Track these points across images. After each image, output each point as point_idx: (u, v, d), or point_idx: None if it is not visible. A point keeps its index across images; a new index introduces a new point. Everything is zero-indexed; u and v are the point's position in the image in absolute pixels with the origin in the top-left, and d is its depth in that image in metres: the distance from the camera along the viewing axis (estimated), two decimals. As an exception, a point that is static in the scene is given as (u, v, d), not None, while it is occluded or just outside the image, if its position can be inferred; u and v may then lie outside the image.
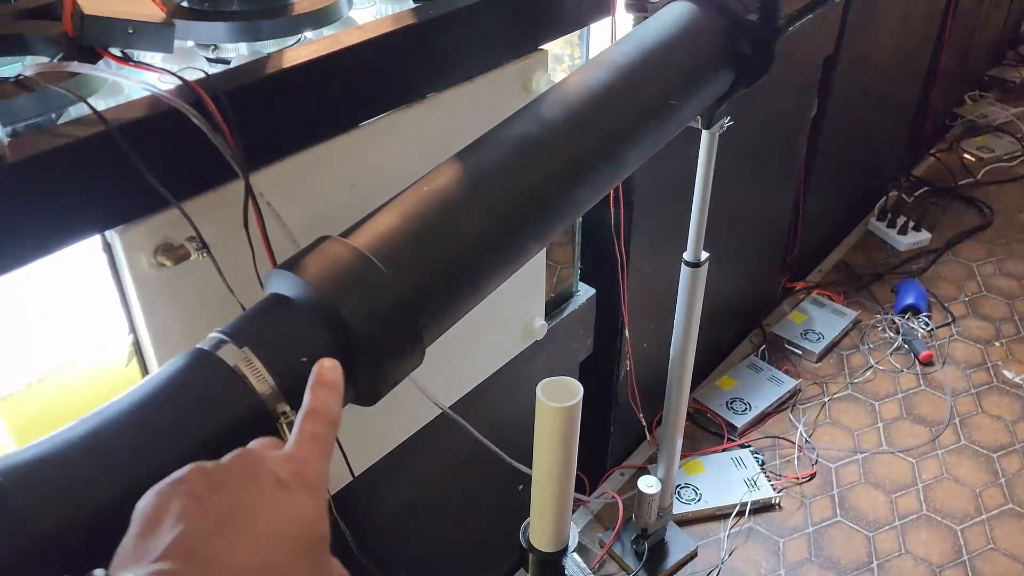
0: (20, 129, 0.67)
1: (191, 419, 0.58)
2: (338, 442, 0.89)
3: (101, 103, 0.68)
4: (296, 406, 0.61)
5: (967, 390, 1.95)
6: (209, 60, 0.86)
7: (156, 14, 0.74)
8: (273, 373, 0.59)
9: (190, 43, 0.86)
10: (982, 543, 1.60)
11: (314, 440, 0.48)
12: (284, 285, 0.65)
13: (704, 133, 1.11)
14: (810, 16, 1.67)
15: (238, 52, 0.84)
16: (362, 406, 0.69)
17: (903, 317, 2.14)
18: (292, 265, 0.65)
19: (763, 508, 1.66)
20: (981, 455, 1.79)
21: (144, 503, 0.43)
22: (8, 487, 0.50)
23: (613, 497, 1.60)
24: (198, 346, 0.61)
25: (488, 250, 0.72)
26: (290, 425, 0.61)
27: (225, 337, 0.61)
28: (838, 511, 1.67)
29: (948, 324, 2.14)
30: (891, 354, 2.05)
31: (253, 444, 0.47)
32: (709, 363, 1.99)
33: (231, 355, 0.59)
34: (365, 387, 0.66)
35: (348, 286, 0.63)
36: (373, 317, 0.63)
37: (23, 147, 0.59)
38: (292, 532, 0.42)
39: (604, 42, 1.17)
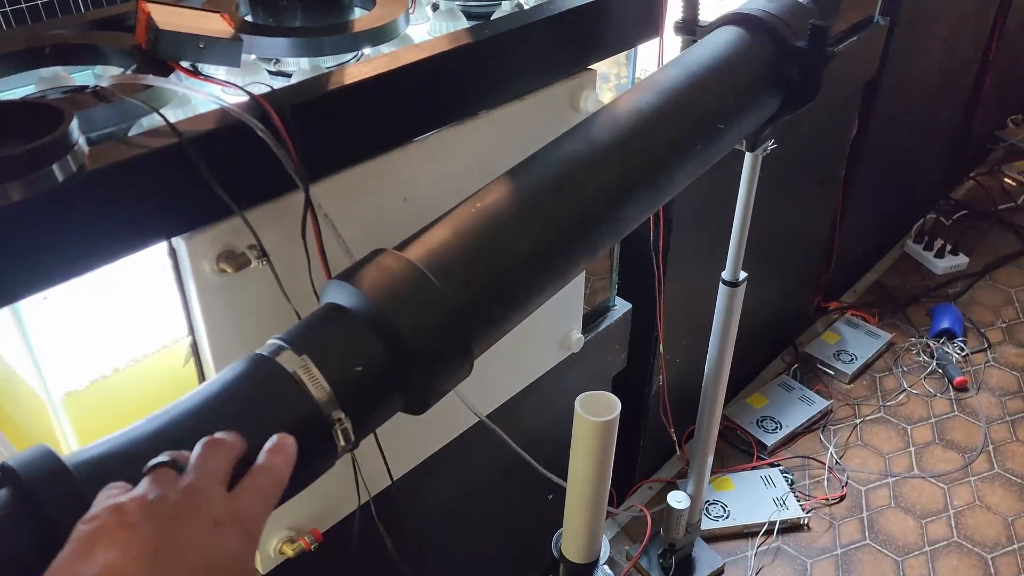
0: (93, 138, 0.70)
1: (251, 422, 0.60)
2: (379, 445, 0.92)
3: (170, 114, 0.71)
4: (351, 414, 0.63)
5: (1001, 417, 1.94)
6: (270, 73, 0.88)
7: (226, 30, 0.77)
8: (329, 381, 0.62)
9: (252, 56, 0.89)
10: (1013, 572, 1.59)
11: (259, 491, 0.50)
12: (341, 295, 0.67)
13: (748, 155, 1.12)
14: (854, 39, 1.67)
15: (299, 66, 0.87)
16: (410, 415, 0.71)
17: (938, 341, 2.13)
18: (349, 276, 0.67)
19: (791, 528, 1.66)
20: (1014, 483, 1.77)
21: (81, 527, 0.45)
22: (81, 480, 0.52)
23: (641, 511, 1.61)
24: (258, 352, 0.64)
25: (538, 266, 0.74)
26: (344, 432, 0.63)
27: (284, 344, 0.63)
28: (867, 534, 1.66)
29: (984, 350, 2.13)
30: (925, 378, 2.04)
31: (201, 478, 0.48)
32: (741, 380, 1.99)
33: (290, 361, 0.62)
34: (414, 397, 0.68)
35: (403, 299, 0.65)
36: (426, 330, 0.65)
37: (101, 156, 0.62)
38: (219, 570, 0.45)
39: (651, 61, 1.19)
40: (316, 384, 0.61)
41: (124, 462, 0.55)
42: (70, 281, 0.64)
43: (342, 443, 0.63)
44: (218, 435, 0.53)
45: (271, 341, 0.64)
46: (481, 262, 0.71)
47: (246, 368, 0.62)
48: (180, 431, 0.58)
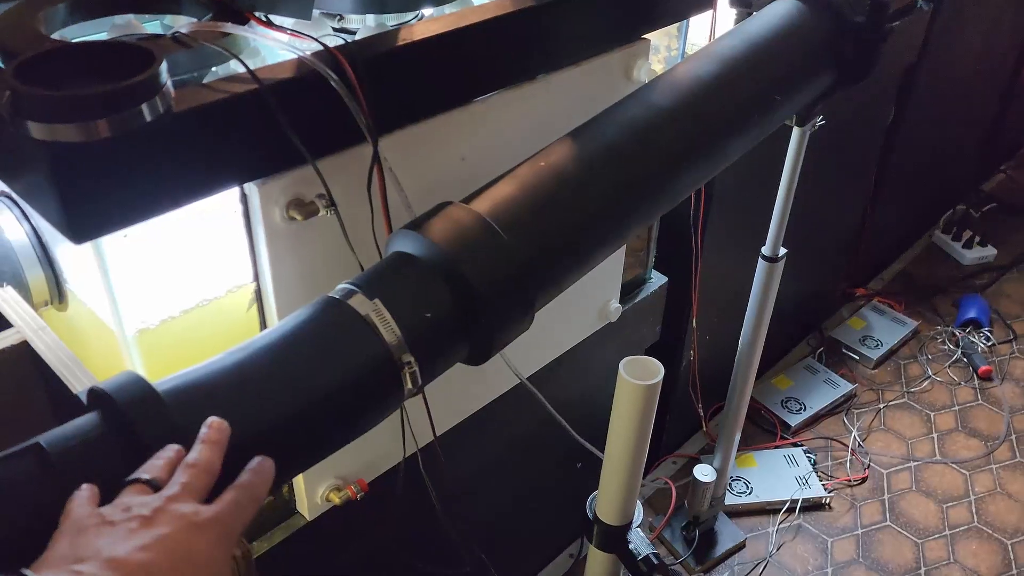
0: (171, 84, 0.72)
1: (325, 361, 0.62)
2: (425, 400, 0.94)
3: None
4: (419, 358, 0.65)
5: (1025, 408, 1.94)
6: (335, 29, 0.90)
7: (299, -18, 0.78)
8: (400, 325, 0.64)
9: (317, 12, 0.90)
10: (1033, 559, 1.60)
11: (236, 505, 0.52)
12: (409, 244, 0.69)
13: (795, 130, 1.12)
14: (898, 22, 1.67)
15: (364, 23, 0.88)
16: (471, 365, 0.73)
17: (964, 331, 2.13)
18: (418, 226, 0.69)
19: (813, 507, 1.68)
20: (1036, 473, 1.78)
21: (62, 529, 0.47)
22: (171, 403, 0.54)
23: (666, 483, 1.63)
24: (329, 295, 0.66)
25: (598, 225, 0.76)
26: (412, 376, 0.65)
27: (356, 288, 0.65)
28: (888, 516, 1.68)
29: (1009, 341, 2.13)
30: (949, 366, 2.05)
31: (177, 491, 0.50)
32: (767, 361, 2.00)
33: (362, 305, 0.64)
34: (478, 345, 0.70)
35: (471, 248, 0.67)
36: (493, 279, 0.67)
37: (187, 99, 0.64)
38: (198, 564, 0.47)
39: (701, 35, 1.20)
40: (387, 327, 0.63)
41: (208, 392, 0.57)
42: (149, 220, 0.66)
43: (409, 386, 0.65)
44: (195, 452, 0.53)
45: (342, 285, 0.66)
46: (545, 218, 0.72)
47: (319, 310, 0.64)
48: (257, 367, 0.60)
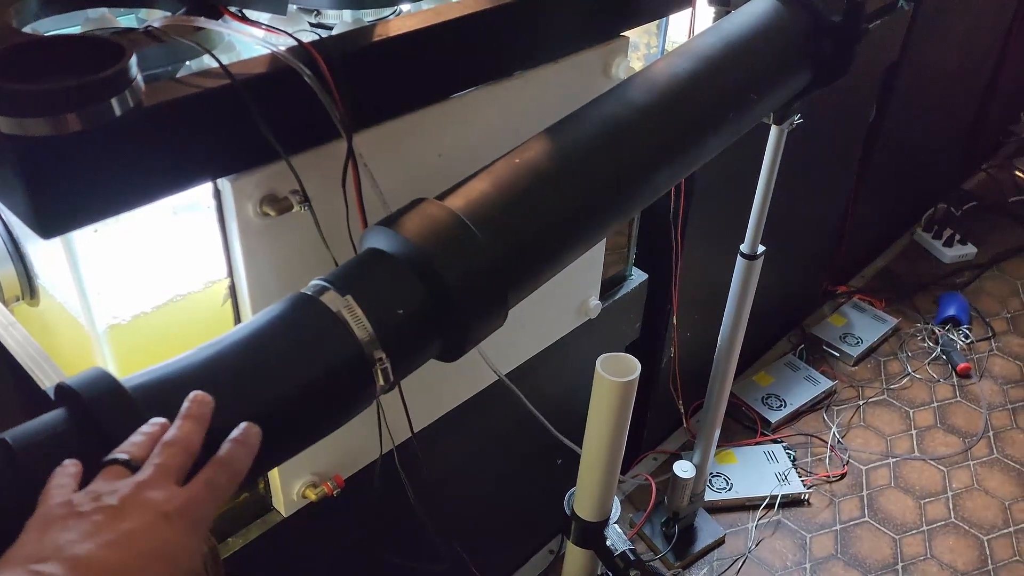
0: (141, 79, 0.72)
1: (296, 357, 0.62)
2: (402, 397, 0.94)
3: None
4: (391, 355, 0.65)
5: (1003, 404, 1.96)
6: (312, 25, 0.89)
7: (274, -23, 0.78)
8: (372, 321, 0.63)
9: (294, 7, 0.90)
10: (1008, 554, 1.62)
11: (210, 487, 0.50)
12: (383, 240, 0.69)
13: (773, 128, 1.13)
14: (878, 21, 1.68)
15: (340, 19, 0.88)
16: (444, 361, 0.73)
17: (943, 328, 2.15)
18: (391, 222, 0.69)
19: (792, 503, 1.69)
20: (1013, 469, 1.80)
21: (33, 520, 0.47)
22: (140, 400, 0.54)
23: (646, 479, 1.64)
24: (302, 291, 0.66)
25: (573, 222, 0.76)
26: (384, 372, 0.65)
27: (328, 284, 0.65)
28: (866, 511, 1.69)
29: (988, 339, 2.15)
30: (929, 363, 2.06)
31: (152, 475, 0.49)
32: (748, 358, 2.01)
33: (334, 301, 0.64)
34: (452, 341, 0.70)
35: (444, 244, 0.67)
36: (466, 275, 0.67)
37: (157, 93, 0.63)
38: (166, 558, 0.46)
39: (680, 32, 1.20)
40: (359, 324, 0.63)
41: (176, 387, 0.57)
42: (120, 215, 0.66)
43: (381, 382, 0.65)
44: (177, 426, 0.52)
45: (314, 282, 0.66)
46: (519, 215, 0.73)
47: (291, 306, 0.64)
48: (227, 363, 0.60)
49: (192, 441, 0.51)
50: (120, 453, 0.50)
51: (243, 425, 0.54)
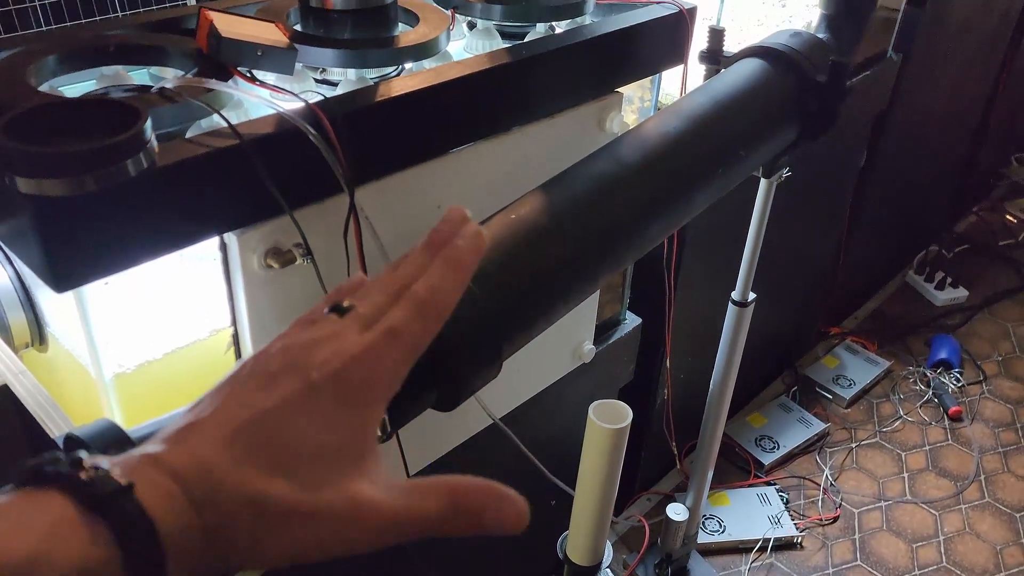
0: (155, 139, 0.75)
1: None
2: (398, 440, 0.96)
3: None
4: (387, 407, 0.67)
5: (994, 448, 1.98)
6: (317, 81, 0.93)
7: (281, 39, 0.82)
8: (371, 373, 0.66)
9: (300, 65, 0.94)
10: (999, 600, 1.63)
11: (392, 336, 0.40)
12: (382, 294, 0.72)
13: (763, 181, 1.16)
14: (867, 72, 1.72)
15: (345, 77, 0.91)
16: (440, 411, 0.75)
17: (935, 371, 2.17)
18: (390, 277, 0.72)
19: (785, 546, 1.70)
20: (1004, 513, 1.81)
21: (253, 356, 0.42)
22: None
23: (640, 520, 1.65)
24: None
25: (566, 276, 0.78)
26: (381, 425, 0.67)
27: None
28: (859, 555, 1.70)
29: (980, 382, 2.17)
30: (921, 406, 2.08)
31: (331, 338, 0.40)
32: (741, 399, 2.03)
33: (335, 354, 0.66)
34: (446, 393, 0.72)
35: (441, 300, 0.70)
36: (460, 329, 0.70)
37: (170, 154, 0.66)
38: (301, 441, 0.38)
39: (673, 86, 1.24)
40: (358, 376, 0.65)
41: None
42: (131, 269, 0.68)
43: (378, 435, 0.67)
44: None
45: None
46: (514, 269, 0.75)
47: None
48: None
49: (412, 276, 0.42)
50: (340, 298, 0.43)
51: (455, 219, 0.44)
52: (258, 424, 0.37)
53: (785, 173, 1.14)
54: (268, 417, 0.38)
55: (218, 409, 0.39)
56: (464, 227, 0.46)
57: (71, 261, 0.63)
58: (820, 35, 1.08)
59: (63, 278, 0.63)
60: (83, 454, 0.35)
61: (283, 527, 0.36)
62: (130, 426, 0.60)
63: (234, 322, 0.81)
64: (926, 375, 2.16)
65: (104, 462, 0.35)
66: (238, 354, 0.83)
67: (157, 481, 0.35)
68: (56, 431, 0.70)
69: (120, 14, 1.97)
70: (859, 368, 2.15)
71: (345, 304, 0.44)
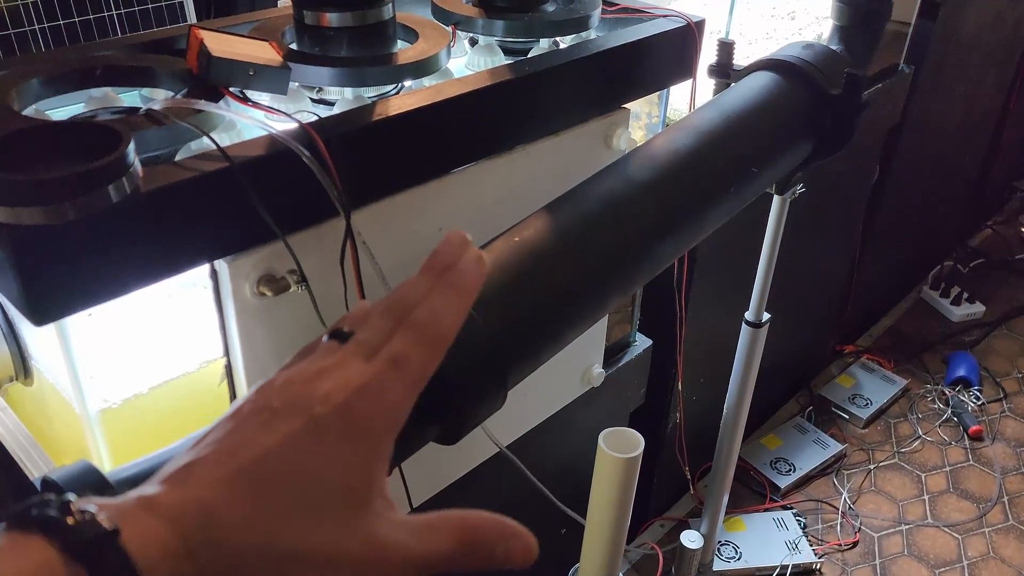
0: (142, 160, 0.72)
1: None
2: (400, 472, 0.92)
3: (216, 139, 0.72)
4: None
5: (1017, 468, 1.92)
6: (313, 101, 0.90)
7: (275, 58, 0.79)
8: (367, 408, 0.62)
9: (295, 84, 0.91)
10: (1028, 628, 1.57)
11: (395, 366, 0.39)
12: (380, 323, 0.68)
13: (776, 198, 1.13)
14: (879, 86, 1.69)
15: (342, 96, 0.88)
16: (442, 444, 0.71)
17: (953, 389, 2.12)
18: (388, 305, 0.68)
19: (803, 572, 1.65)
20: (1030, 537, 1.76)
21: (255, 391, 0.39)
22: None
23: (653, 548, 1.60)
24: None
25: (574, 302, 0.75)
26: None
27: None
28: (880, 582, 1.65)
29: (999, 400, 2.12)
30: (940, 425, 2.03)
31: (332, 370, 0.38)
32: (755, 420, 1.98)
33: (329, 387, 0.62)
34: (449, 427, 0.68)
35: (442, 329, 0.66)
36: (463, 360, 0.66)
37: (154, 178, 0.63)
38: (295, 484, 0.35)
39: (681, 101, 1.20)
40: (354, 411, 0.62)
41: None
42: (115, 300, 0.65)
43: (378, 470, 0.64)
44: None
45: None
46: (519, 295, 0.72)
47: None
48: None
49: (414, 302, 0.40)
50: (343, 324, 0.41)
51: (454, 243, 0.42)
52: (262, 464, 0.35)
53: (799, 189, 1.10)
54: (272, 457, 0.35)
55: (219, 448, 0.36)
56: (465, 251, 0.44)
57: (51, 293, 0.60)
58: (833, 47, 1.04)
59: (43, 311, 0.60)
60: (71, 496, 0.33)
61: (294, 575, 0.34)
62: (117, 464, 0.57)
63: (227, 353, 0.78)
64: (944, 393, 2.11)
65: (92, 505, 0.33)
66: (232, 387, 0.80)
67: (148, 525, 0.33)
68: (35, 471, 0.66)
69: (121, 36, 1.96)
70: (875, 387, 2.10)
71: (345, 329, 0.41)
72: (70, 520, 0.32)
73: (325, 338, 0.42)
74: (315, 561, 0.35)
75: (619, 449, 0.96)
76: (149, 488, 0.35)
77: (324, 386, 0.37)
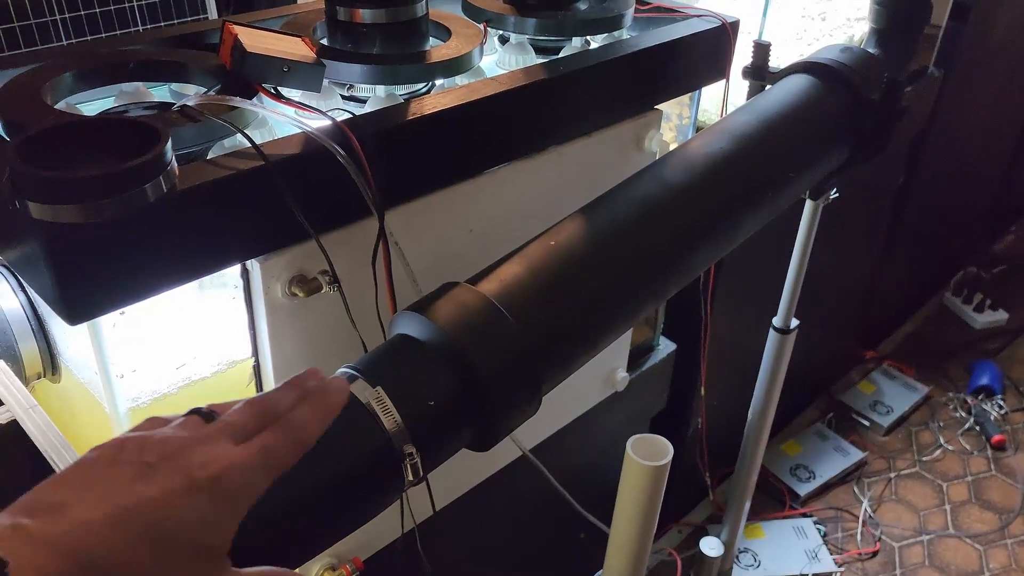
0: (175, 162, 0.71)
1: (322, 448, 0.59)
2: (425, 476, 0.91)
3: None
4: (421, 448, 0.63)
5: (1040, 479, 1.90)
6: (344, 98, 0.89)
7: (308, 55, 0.78)
8: (402, 413, 0.61)
9: (327, 80, 0.90)
10: (1051, 642, 1.55)
11: (264, 453, 0.44)
12: (413, 327, 0.67)
13: (808, 203, 1.11)
14: (908, 89, 1.67)
15: (373, 93, 0.87)
16: (476, 451, 0.70)
17: (976, 398, 2.09)
18: (423, 308, 0.67)
19: (823, 581, 1.63)
20: (1053, 549, 1.73)
21: (99, 448, 0.43)
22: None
23: (671, 554, 1.59)
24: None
25: (608, 307, 0.73)
26: (414, 467, 0.63)
27: (357, 373, 0.63)
28: (901, 592, 1.63)
29: (1023, 409, 2.09)
30: (962, 434, 2.01)
31: (206, 442, 0.43)
32: (775, 426, 1.95)
33: (363, 392, 0.61)
34: (483, 432, 0.67)
35: (477, 332, 0.65)
36: (499, 364, 0.65)
37: (191, 176, 0.62)
38: (171, 537, 0.39)
39: (715, 101, 1.19)
40: (389, 416, 0.61)
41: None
42: (148, 299, 0.64)
43: (410, 477, 0.63)
44: (276, 389, 0.48)
45: (343, 369, 0.64)
46: (554, 300, 0.70)
47: (318, 395, 0.62)
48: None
49: (278, 407, 0.46)
50: (205, 406, 0.45)
51: (308, 374, 0.48)
52: (140, 513, 0.38)
53: (833, 195, 1.08)
54: (151, 507, 0.39)
55: (93, 493, 0.39)
56: (328, 379, 0.52)
57: (85, 292, 0.59)
58: (870, 50, 1.02)
59: (77, 310, 0.59)
60: None
61: None
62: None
63: (255, 354, 0.77)
64: (967, 402, 2.08)
65: None
66: (259, 387, 0.79)
67: (31, 556, 0.35)
68: (65, 472, 0.66)
69: (141, 28, 1.95)
70: (897, 394, 2.08)
71: (208, 410, 0.46)
72: None
73: (183, 414, 0.46)
74: None
75: (647, 456, 0.95)
76: (15, 519, 0.37)
77: (199, 454, 0.42)
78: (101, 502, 0.38)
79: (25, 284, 0.77)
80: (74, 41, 1.86)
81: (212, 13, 2.05)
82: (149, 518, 0.38)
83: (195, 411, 0.46)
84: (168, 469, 0.40)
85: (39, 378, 0.77)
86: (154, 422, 0.45)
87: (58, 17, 1.87)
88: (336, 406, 0.49)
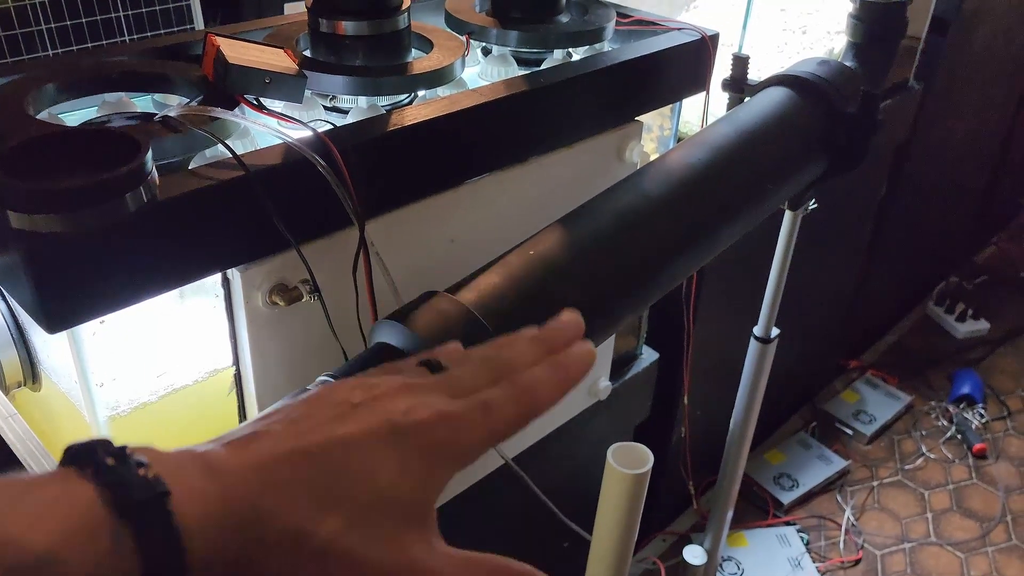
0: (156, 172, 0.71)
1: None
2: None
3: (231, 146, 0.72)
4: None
5: (1020, 487, 1.91)
6: (326, 108, 0.90)
7: (290, 66, 0.78)
8: (380, 422, 0.62)
9: (309, 92, 0.90)
10: (1031, 649, 1.56)
11: (485, 411, 0.39)
12: (393, 335, 0.67)
13: (788, 214, 1.12)
14: (888, 102, 1.69)
15: (356, 104, 0.88)
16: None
17: (958, 406, 2.11)
18: (402, 317, 0.67)
19: (806, 589, 1.64)
20: (1033, 557, 1.75)
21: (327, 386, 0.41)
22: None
23: (655, 563, 1.59)
24: (308, 388, 0.64)
25: (588, 317, 0.74)
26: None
27: (332, 381, 0.63)
28: (883, 600, 1.64)
29: (1004, 418, 2.11)
30: (943, 443, 2.02)
31: (420, 390, 0.39)
32: (758, 435, 1.97)
33: (342, 400, 0.62)
34: (461, 442, 0.68)
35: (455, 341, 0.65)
36: (477, 375, 0.65)
37: (171, 187, 0.63)
38: (370, 481, 0.35)
39: (695, 112, 1.20)
40: (367, 425, 0.61)
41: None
42: (128, 308, 0.65)
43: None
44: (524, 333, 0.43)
45: (321, 378, 0.64)
46: (532, 309, 0.71)
47: (297, 404, 0.62)
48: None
49: (515, 363, 0.40)
50: (436, 356, 0.42)
51: (565, 331, 0.43)
52: (326, 452, 0.34)
53: (812, 206, 1.10)
54: (339, 447, 0.35)
55: (289, 426, 0.35)
56: (578, 338, 0.45)
57: (65, 300, 0.59)
58: (848, 64, 1.04)
59: (56, 318, 0.59)
60: (131, 445, 0.32)
61: (319, 572, 0.33)
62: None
63: (236, 362, 0.77)
64: (948, 411, 2.10)
65: (144, 457, 0.31)
66: (241, 397, 0.79)
67: (200, 489, 0.31)
68: (44, 480, 0.66)
69: (128, 38, 1.95)
70: (879, 403, 2.09)
71: (441, 362, 0.42)
72: (123, 470, 0.30)
73: (415, 363, 0.43)
74: (347, 566, 0.33)
75: (628, 464, 0.95)
76: (212, 447, 0.34)
77: (409, 400, 0.37)
78: (291, 437, 0.35)
79: (5, 293, 0.77)
80: (60, 51, 1.86)
81: (199, 24, 2.05)
82: (334, 459, 0.34)
83: (425, 361, 0.43)
84: (369, 410, 0.37)
85: (19, 387, 0.77)
86: (387, 369, 0.43)
87: (44, 27, 1.88)
88: (579, 375, 0.42)
